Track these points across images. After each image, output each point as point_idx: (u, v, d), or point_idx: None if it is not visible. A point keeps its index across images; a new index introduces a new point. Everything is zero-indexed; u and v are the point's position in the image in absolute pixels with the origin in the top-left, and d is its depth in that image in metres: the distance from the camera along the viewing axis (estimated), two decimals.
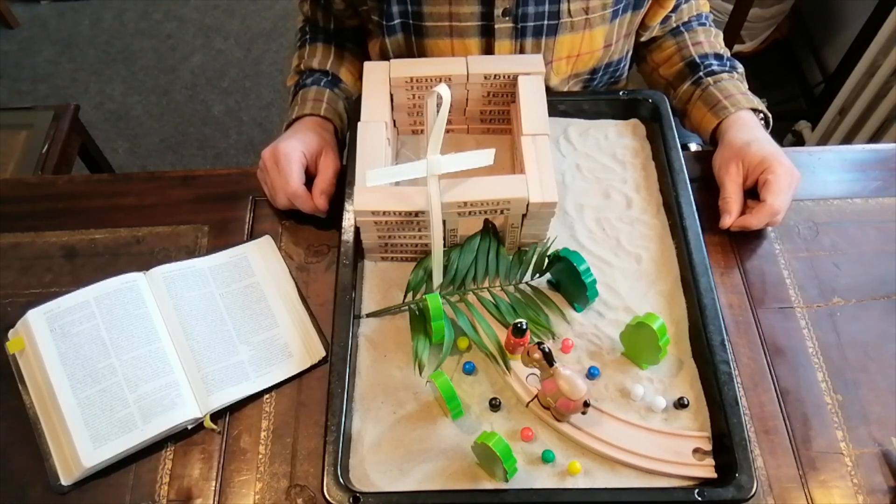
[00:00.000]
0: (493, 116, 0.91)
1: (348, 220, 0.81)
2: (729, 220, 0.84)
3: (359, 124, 0.81)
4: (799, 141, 1.94)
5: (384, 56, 0.94)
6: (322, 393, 0.75)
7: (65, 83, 2.32)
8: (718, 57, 0.96)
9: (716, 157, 0.89)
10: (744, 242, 0.87)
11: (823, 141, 1.83)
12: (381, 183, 0.72)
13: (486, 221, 0.80)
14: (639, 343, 0.73)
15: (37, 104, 1.77)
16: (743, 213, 0.85)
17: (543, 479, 0.69)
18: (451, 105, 0.78)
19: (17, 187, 0.97)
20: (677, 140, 0.87)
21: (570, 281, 0.76)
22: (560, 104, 0.93)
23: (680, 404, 0.72)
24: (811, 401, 0.76)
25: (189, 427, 0.75)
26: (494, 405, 0.72)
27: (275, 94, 2.28)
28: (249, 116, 2.23)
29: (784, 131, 1.99)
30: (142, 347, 0.78)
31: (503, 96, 0.87)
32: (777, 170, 0.83)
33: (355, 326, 0.77)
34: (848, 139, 1.75)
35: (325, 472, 0.66)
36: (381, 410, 0.73)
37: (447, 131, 0.85)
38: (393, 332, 0.78)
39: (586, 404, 0.67)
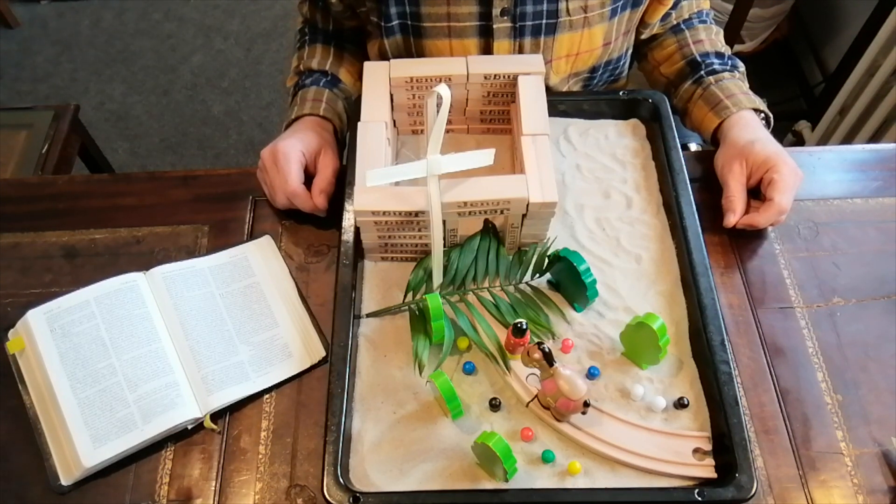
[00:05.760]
0: (493, 116, 0.91)
1: (348, 220, 0.81)
2: (733, 218, 0.84)
3: (359, 124, 0.81)
4: (799, 141, 1.94)
5: (383, 57, 0.94)
6: (322, 393, 0.75)
7: (65, 83, 2.32)
8: (720, 55, 0.96)
9: (718, 156, 0.89)
10: (744, 242, 0.87)
11: (823, 141, 1.83)
12: (381, 183, 0.72)
13: (486, 221, 0.80)
14: (639, 343, 0.73)
15: (37, 104, 1.76)
16: (746, 212, 0.85)
17: (543, 479, 0.69)
18: (451, 105, 0.78)
19: (17, 187, 0.97)
20: (677, 140, 0.87)
21: (570, 281, 0.76)
22: (560, 104, 0.93)
23: (680, 404, 0.72)
24: (811, 401, 0.76)
25: (189, 427, 0.75)
26: (494, 405, 0.72)
27: (275, 94, 2.28)
28: (249, 116, 2.23)
29: (784, 131, 1.98)
30: (142, 347, 0.78)
31: (503, 96, 0.87)
32: (782, 169, 0.83)
33: (355, 326, 0.77)
34: (848, 139, 1.75)
35: (325, 472, 0.66)
36: (381, 410, 0.73)
37: (447, 131, 0.85)
38: (393, 332, 0.78)
39: (586, 404, 0.67)
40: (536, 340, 0.70)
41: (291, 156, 0.85)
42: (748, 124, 0.89)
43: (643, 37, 1.00)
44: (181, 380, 0.76)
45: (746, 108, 0.90)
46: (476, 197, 0.73)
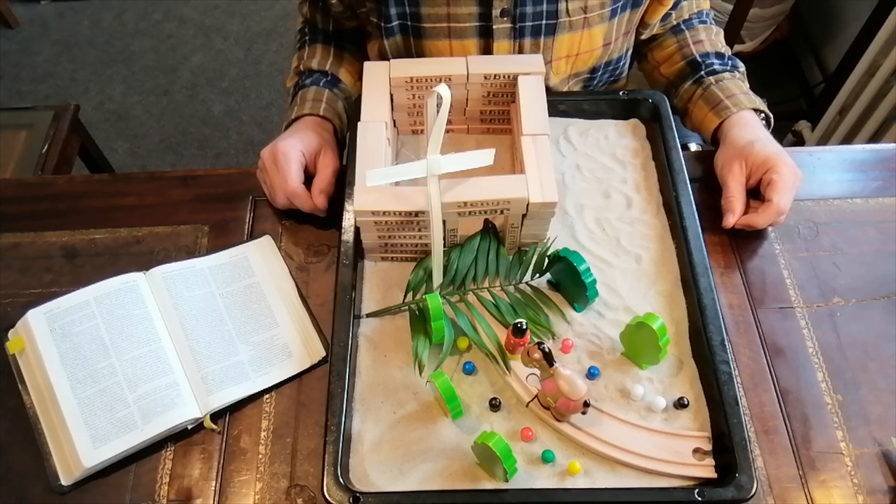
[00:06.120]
0: (493, 116, 0.91)
1: (348, 220, 0.81)
2: (732, 219, 0.84)
3: (359, 124, 0.81)
4: (799, 141, 1.94)
5: (383, 57, 0.94)
6: (322, 393, 0.75)
7: (65, 83, 2.32)
8: (720, 56, 0.96)
9: (718, 156, 0.89)
10: (744, 242, 0.87)
11: (823, 141, 1.83)
12: (381, 183, 0.72)
13: (486, 221, 0.80)
14: (639, 343, 0.73)
15: (37, 104, 1.77)
16: (745, 212, 0.85)
17: (543, 479, 0.69)
18: (451, 105, 0.78)
19: (17, 187, 0.97)
20: (677, 140, 0.87)
21: (570, 281, 0.76)
22: (560, 104, 0.93)
23: (680, 404, 0.72)
24: (811, 401, 0.76)
25: (189, 427, 0.75)
26: (494, 405, 0.72)
27: (275, 94, 2.28)
28: (249, 116, 2.23)
29: (784, 131, 1.99)
30: (142, 347, 0.78)
31: (503, 96, 0.87)
32: (782, 169, 0.83)
33: (355, 326, 0.77)
34: (848, 139, 1.75)
35: (325, 472, 0.66)
36: (381, 410, 0.73)
37: (447, 131, 0.85)
38: (393, 332, 0.78)
39: (586, 404, 0.67)
40: (536, 340, 0.70)
41: (291, 156, 0.85)
42: (748, 124, 0.89)
43: (643, 37, 1.00)
44: (181, 380, 0.76)
45: (746, 108, 0.90)
46: (476, 197, 0.73)
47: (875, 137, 1.68)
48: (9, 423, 0.76)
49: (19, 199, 0.94)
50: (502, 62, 0.86)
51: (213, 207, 0.92)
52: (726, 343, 0.72)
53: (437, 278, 0.78)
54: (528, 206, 0.74)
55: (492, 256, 0.80)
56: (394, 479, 0.69)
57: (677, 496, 0.66)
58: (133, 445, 0.73)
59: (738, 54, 1.02)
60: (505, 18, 0.87)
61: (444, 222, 0.75)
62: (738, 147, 0.86)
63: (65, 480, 0.72)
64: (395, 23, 0.89)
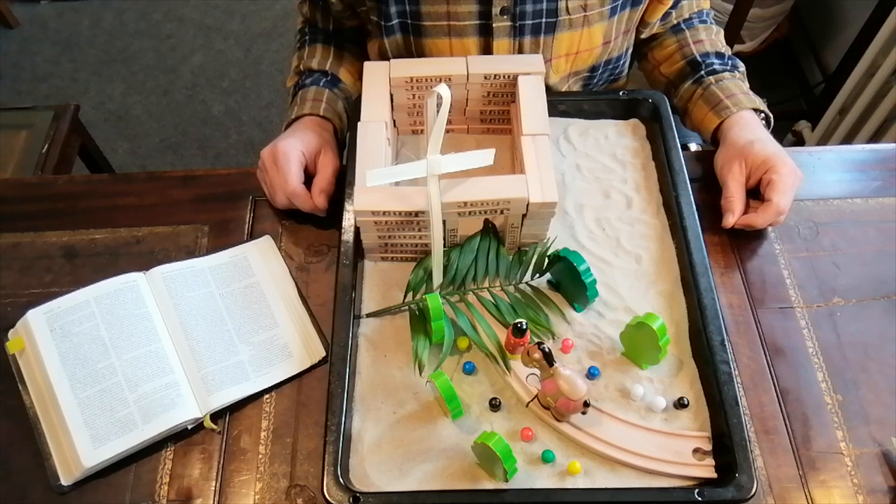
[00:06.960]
0: (493, 116, 0.91)
1: (348, 220, 0.81)
2: (732, 219, 0.84)
3: (359, 124, 0.81)
4: (799, 141, 1.94)
5: (383, 56, 0.94)
6: (322, 393, 0.75)
7: (65, 83, 2.32)
8: (720, 55, 0.96)
9: (718, 156, 0.89)
10: (744, 242, 0.87)
11: (823, 141, 1.83)
12: (381, 183, 0.72)
13: (486, 221, 0.80)
14: (639, 343, 0.73)
15: (37, 104, 1.77)
16: (745, 212, 0.85)
17: (543, 479, 0.69)
18: (451, 105, 0.78)
19: (17, 187, 0.97)
20: (677, 140, 0.87)
21: (570, 281, 0.76)
22: (560, 104, 0.93)
23: (680, 404, 0.72)
24: (811, 401, 0.76)
25: (189, 427, 0.75)
26: (494, 405, 0.72)
27: (275, 94, 2.28)
28: (249, 116, 2.23)
29: (784, 131, 1.99)
30: (142, 347, 0.78)
31: (503, 96, 0.87)
32: (781, 169, 0.83)
33: (355, 326, 0.77)
34: (848, 139, 1.75)
35: (325, 472, 0.66)
36: (381, 410, 0.73)
37: (447, 131, 0.84)
38: (393, 332, 0.78)
39: (586, 404, 0.67)
40: (536, 340, 0.70)
41: (291, 155, 0.85)
42: (748, 124, 0.89)
43: (643, 36, 1.00)
44: (181, 380, 0.76)
45: (746, 108, 0.90)
46: (476, 197, 0.73)
47: (875, 137, 1.68)
48: (9, 423, 0.76)
49: (19, 199, 0.94)
50: (502, 62, 0.86)
51: (213, 207, 0.92)
52: (726, 343, 0.72)
53: (437, 278, 0.78)
54: (528, 206, 0.74)
55: (492, 256, 0.80)
56: (394, 479, 0.69)
57: (677, 496, 0.66)
58: (133, 445, 0.73)
59: (738, 54, 1.02)
60: (505, 17, 0.87)
61: (444, 222, 0.75)
62: (737, 147, 0.86)
63: (65, 480, 0.72)
64: (395, 21, 0.89)
